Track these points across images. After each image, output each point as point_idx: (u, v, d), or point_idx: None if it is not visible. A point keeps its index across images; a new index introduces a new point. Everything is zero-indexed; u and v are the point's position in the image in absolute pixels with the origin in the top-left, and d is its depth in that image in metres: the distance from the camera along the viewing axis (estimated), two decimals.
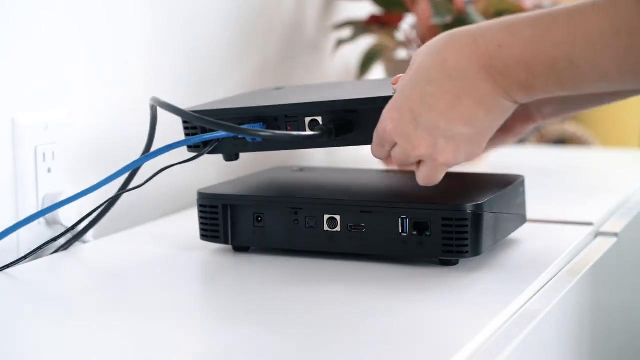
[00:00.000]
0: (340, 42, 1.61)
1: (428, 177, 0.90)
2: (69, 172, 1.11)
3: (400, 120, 0.87)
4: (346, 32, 1.63)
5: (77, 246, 1.07)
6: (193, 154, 0.98)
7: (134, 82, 1.23)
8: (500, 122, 0.87)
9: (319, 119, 0.94)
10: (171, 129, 1.09)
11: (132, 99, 1.22)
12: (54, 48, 1.09)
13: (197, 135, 0.97)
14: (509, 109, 0.86)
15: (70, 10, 1.12)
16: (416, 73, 0.86)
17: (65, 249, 1.05)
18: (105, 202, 1.04)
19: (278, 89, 1.12)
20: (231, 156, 1.00)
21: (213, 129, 0.94)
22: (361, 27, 1.60)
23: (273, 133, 0.92)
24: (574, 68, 0.81)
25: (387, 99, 0.91)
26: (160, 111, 0.99)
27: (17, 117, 1.04)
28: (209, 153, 0.97)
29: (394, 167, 0.98)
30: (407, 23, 1.64)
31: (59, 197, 1.06)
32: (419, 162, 0.90)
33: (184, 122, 0.99)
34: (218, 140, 0.97)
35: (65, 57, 1.11)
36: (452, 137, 0.86)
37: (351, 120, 0.94)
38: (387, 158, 0.92)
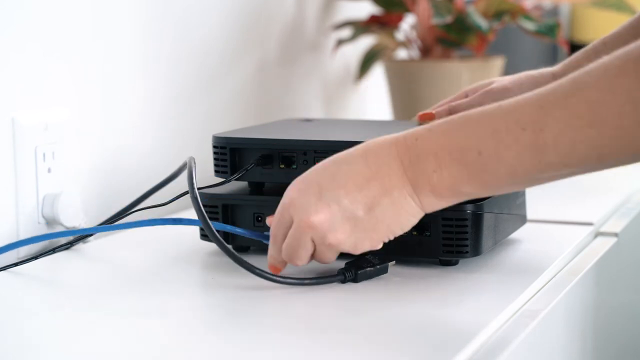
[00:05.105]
0: (340, 42, 1.61)
1: (321, 253, 0.88)
2: (69, 172, 1.11)
3: (306, 191, 0.86)
4: (346, 32, 1.64)
5: (78, 245, 1.07)
6: (220, 179, 1.01)
7: (134, 83, 1.23)
8: (400, 227, 0.86)
9: None
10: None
11: (132, 99, 1.23)
12: (54, 48, 1.09)
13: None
14: (412, 212, 0.85)
15: (71, 11, 1.12)
16: (335, 157, 0.87)
17: (67, 248, 1.05)
18: (125, 215, 1.06)
19: (307, 120, 1.15)
20: (257, 185, 1.02)
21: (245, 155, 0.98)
22: (361, 27, 1.60)
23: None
24: (482, 160, 0.81)
25: None
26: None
27: (17, 117, 1.04)
28: (235, 180, 0.99)
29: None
30: (407, 23, 1.64)
31: (59, 197, 1.06)
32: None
33: (214, 146, 1.00)
34: (246, 169, 0.98)
35: (65, 57, 1.11)
36: (351, 220, 0.85)
37: None
38: (282, 243, 0.89)
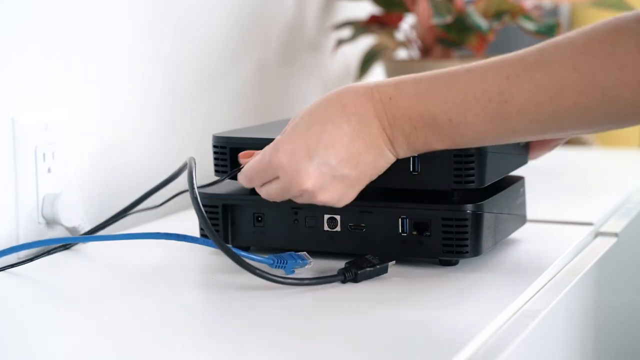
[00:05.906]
0: (340, 42, 1.61)
1: (302, 201, 0.92)
2: (69, 172, 1.11)
3: (294, 155, 0.89)
4: (346, 32, 1.64)
5: (78, 245, 1.07)
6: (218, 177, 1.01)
7: (134, 83, 1.23)
8: (378, 174, 0.91)
9: None
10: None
11: (132, 99, 1.23)
12: (54, 48, 1.09)
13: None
14: (388, 161, 0.91)
15: (71, 11, 1.12)
16: (312, 113, 0.90)
17: (67, 248, 1.05)
18: (123, 215, 1.07)
19: None
20: None
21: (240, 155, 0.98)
22: (361, 27, 1.60)
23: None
24: (453, 126, 0.88)
25: None
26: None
27: (17, 117, 1.04)
28: (230, 178, 1.00)
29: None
30: (407, 23, 1.64)
31: (59, 197, 1.06)
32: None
33: (214, 146, 1.01)
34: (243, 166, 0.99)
35: (65, 57, 1.11)
36: (339, 178, 0.90)
37: None
38: (258, 185, 0.94)
